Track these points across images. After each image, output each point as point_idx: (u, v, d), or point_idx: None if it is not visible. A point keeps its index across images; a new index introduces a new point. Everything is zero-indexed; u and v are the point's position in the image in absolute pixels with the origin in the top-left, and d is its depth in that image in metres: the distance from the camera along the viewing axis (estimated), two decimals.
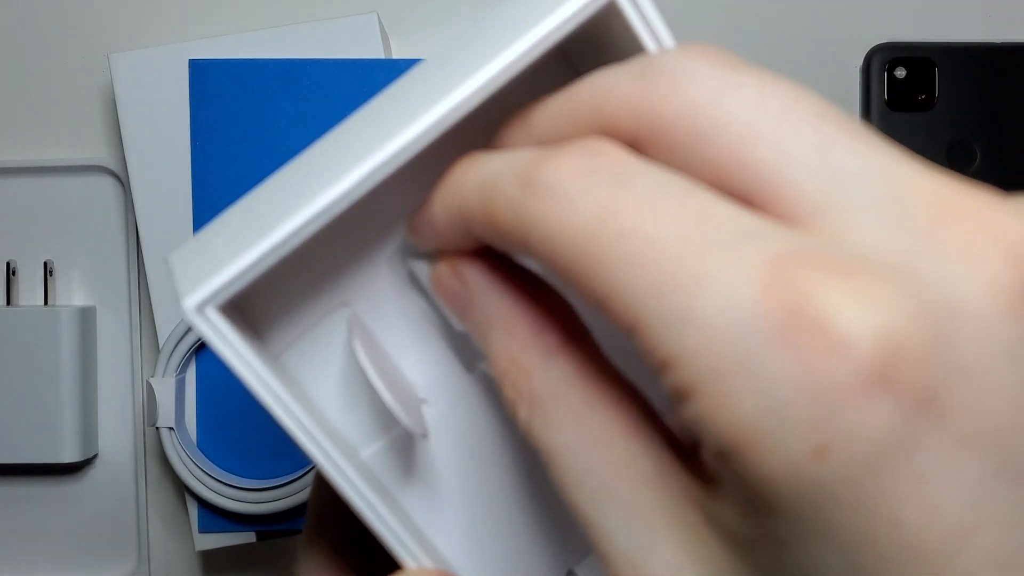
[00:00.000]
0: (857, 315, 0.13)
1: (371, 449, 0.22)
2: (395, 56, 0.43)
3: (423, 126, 0.17)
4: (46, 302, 0.42)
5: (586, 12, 0.17)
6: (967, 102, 0.43)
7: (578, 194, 0.15)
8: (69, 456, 0.41)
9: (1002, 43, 0.43)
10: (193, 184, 0.38)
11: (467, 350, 0.22)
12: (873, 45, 0.43)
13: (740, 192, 0.15)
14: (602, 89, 0.17)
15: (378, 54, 0.39)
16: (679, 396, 0.14)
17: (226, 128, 0.38)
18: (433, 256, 0.20)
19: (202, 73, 0.38)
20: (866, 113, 0.43)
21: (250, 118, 0.38)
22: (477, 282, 0.19)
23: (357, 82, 0.38)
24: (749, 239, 0.14)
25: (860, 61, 0.44)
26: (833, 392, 0.13)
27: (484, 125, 0.19)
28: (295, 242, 0.17)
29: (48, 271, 0.42)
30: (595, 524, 0.16)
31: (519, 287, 0.18)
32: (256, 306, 0.21)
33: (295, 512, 0.39)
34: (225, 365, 0.18)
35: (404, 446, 0.21)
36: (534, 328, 0.17)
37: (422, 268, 0.21)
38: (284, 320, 0.21)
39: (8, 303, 0.42)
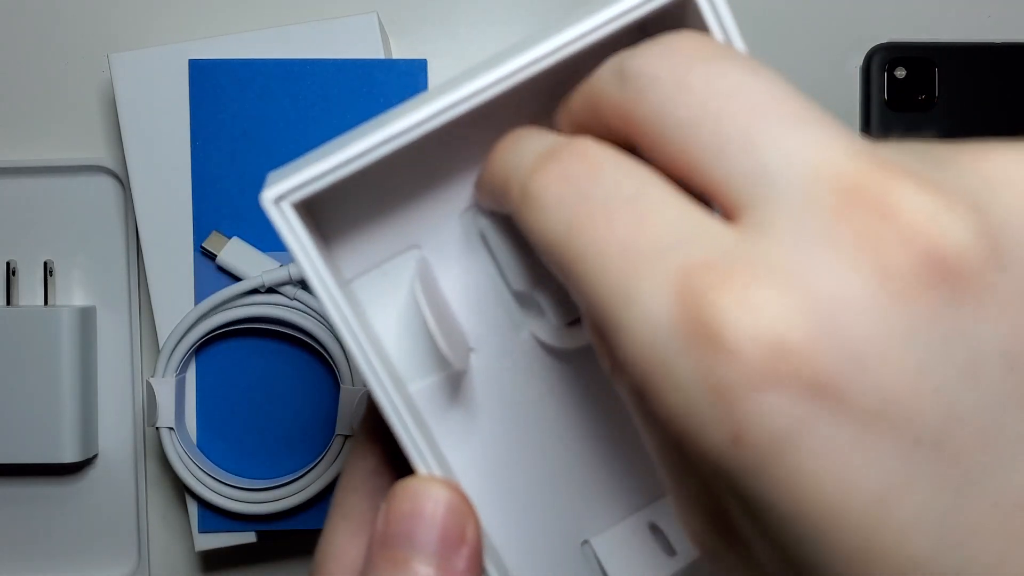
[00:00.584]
0: (744, 321, 0.14)
1: (416, 386, 0.23)
2: (395, 56, 0.43)
3: (499, 74, 0.19)
4: (46, 302, 0.42)
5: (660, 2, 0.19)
6: (967, 102, 0.43)
7: (553, 207, 0.17)
8: (69, 456, 0.41)
9: (1002, 43, 0.43)
10: (193, 184, 0.38)
11: (518, 312, 0.24)
12: (873, 45, 0.43)
13: (698, 189, 0.17)
14: (596, 89, 0.18)
15: (378, 54, 0.39)
16: (635, 396, 0.17)
17: (226, 128, 0.38)
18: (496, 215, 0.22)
19: (202, 73, 0.38)
20: (866, 113, 0.43)
21: (250, 118, 0.38)
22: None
23: (357, 82, 0.38)
24: (675, 248, 0.16)
25: (860, 61, 0.44)
26: (731, 392, 0.14)
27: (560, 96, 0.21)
28: (369, 158, 0.19)
29: (48, 271, 0.42)
30: (659, 466, 0.18)
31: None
32: (333, 229, 0.23)
33: (295, 512, 0.39)
34: (294, 259, 0.20)
35: (447, 388, 0.23)
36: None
37: (489, 227, 0.23)
38: (358, 251, 0.23)
39: (8, 303, 0.42)
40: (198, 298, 0.39)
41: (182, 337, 0.38)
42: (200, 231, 0.39)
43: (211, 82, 0.38)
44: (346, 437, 0.38)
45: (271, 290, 0.38)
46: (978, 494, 0.14)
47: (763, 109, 0.16)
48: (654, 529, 0.24)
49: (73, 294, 0.43)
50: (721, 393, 0.15)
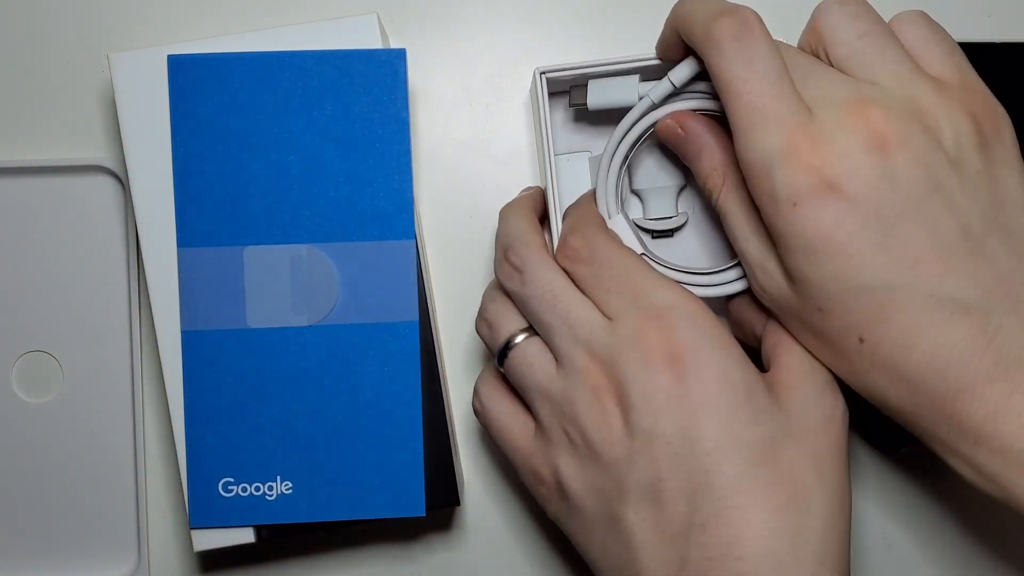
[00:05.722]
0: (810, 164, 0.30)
1: None
2: None
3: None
4: None
5: None
6: None
7: (727, 56, 0.32)
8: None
9: (1002, 43, 0.43)
10: (175, 182, 0.38)
11: (627, 203, 0.42)
12: None
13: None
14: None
15: None
16: (743, 187, 0.34)
17: (206, 123, 0.38)
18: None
19: (182, 69, 0.38)
20: None
21: (231, 112, 0.38)
22: (693, 128, 0.36)
23: (337, 73, 0.38)
24: (786, 117, 0.31)
25: None
26: (800, 185, 0.31)
27: None
28: (598, 71, 0.39)
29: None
30: (743, 250, 0.34)
31: (715, 132, 0.35)
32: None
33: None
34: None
35: None
36: (725, 150, 0.35)
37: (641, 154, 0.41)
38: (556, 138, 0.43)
39: None
40: (184, 295, 0.38)
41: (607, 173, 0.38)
42: (184, 228, 0.38)
43: (191, 78, 0.38)
44: None
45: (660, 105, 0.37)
46: (891, 238, 0.30)
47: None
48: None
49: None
50: (796, 186, 0.30)
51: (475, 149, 0.44)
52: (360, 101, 0.38)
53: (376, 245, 0.38)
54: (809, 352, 0.34)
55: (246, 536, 0.39)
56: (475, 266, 0.44)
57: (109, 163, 0.42)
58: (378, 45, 0.39)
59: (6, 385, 0.42)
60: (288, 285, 0.38)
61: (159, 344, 0.39)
